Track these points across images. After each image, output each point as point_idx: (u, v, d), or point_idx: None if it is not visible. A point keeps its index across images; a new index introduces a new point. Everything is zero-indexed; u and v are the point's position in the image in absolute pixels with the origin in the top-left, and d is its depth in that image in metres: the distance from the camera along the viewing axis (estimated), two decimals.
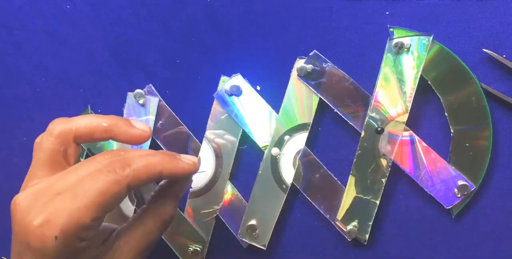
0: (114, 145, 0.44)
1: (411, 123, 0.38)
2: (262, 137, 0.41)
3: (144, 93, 0.42)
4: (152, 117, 0.42)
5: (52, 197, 0.29)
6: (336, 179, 0.40)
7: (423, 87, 0.37)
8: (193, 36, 0.42)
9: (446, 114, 0.37)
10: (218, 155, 0.41)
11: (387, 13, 0.38)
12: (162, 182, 0.37)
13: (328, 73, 0.39)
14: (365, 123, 0.38)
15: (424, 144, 0.38)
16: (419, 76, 0.37)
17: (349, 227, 0.39)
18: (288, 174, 0.40)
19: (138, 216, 0.35)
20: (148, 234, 0.34)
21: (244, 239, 0.41)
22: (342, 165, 0.40)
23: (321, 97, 0.39)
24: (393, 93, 0.37)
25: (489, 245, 0.39)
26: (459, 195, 0.37)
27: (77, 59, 0.44)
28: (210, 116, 0.41)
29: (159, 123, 0.43)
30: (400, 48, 0.36)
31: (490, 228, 0.38)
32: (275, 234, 0.41)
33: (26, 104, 0.46)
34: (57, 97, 0.46)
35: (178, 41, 0.42)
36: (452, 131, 0.37)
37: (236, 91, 0.40)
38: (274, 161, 0.40)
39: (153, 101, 0.42)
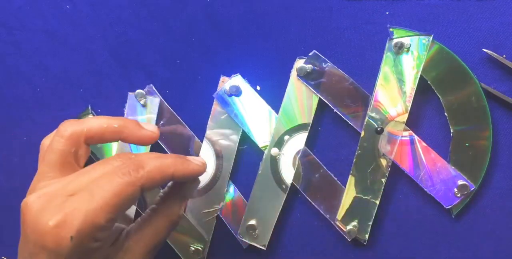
0: (114, 146, 0.44)
1: (411, 123, 0.38)
2: (262, 137, 0.41)
3: (145, 93, 0.42)
4: (153, 117, 0.42)
5: (66, 198, 0.29)
6: (336, 179, 0.40)
7: (423, 87, 0.37)
8: (193, 36, 0.42)
9: (446, 114, 0.37)
10: (219, 155, 0.42)
11: (387, 13, 0.38)
12: (170, 183, 0.37)
13: (328, 73, 0.39)
14: (365, 123, 0.38)
15: (423, 144, 0.38)
16: (419, 76, 0.37)
17: (349, 227, 0.39)
18: (288, 174, 0.40)
19: (148, 216, 0.35)
20: (157, 233, 0.35)
21: (244, 239, 0.41)
22: (342, 165, 0.40)
23: (320, 97, 0.39)
24: (393, 93, 0.37)
25: (489, 245, 0.39)
26: (459, 195, 0.37)
27: (77, 59, 0.44)
28: (210, 116, 0.41)
29: (160, 124, 0.43)
30: (400, 48, 0.36)
31: (490, 228, 0.38)
32: (275, 234, 0.41)
33: (26, 104, 0.46)
34: (57, 97, 0.46)
35: (178, 41, 0.42)
36: (452, 130, 0.37)
37: (236, 92, 0.40)
38: (274, 161, 0.40)
39: (154, 102, 0.42)
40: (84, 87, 0.45)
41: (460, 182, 0.37)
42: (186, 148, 0.43)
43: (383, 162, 0.38)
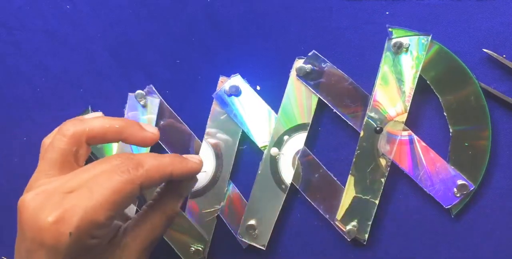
0: (114, 146, 0.44)
1: (410, 123, 0.38)
2: (261, 137, 0.41)
3: (145, 94, 0.42)
4: (153, 118, 0.42)
5: (65, 195, 0.29)
6: (335, 179, 0.40)
7: (422, 87, 0.37)
8: (193, 36, 0.42)
9: (445, 114, 0.37)
10: (219, 155, 0.42)
11: (387, 13, 0.38)
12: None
13: (327, 73, 0.39)
14: (364, 123, 0.38)
15: (423, 144, 0.38)
16: (418, 76, 0.37)
17: (348, 227, 0.39)
18: (287, 174, 0.40)
19: (144, 212, 0.35)
20: (154, 230, 0.35)
21: (243, 239, 0.41)
22: (341, 165, 0.40)
23: (320, 97, 0.39)
24: (392, 93, 0.37)
25: (489, 245, 0.38)
26: (458, 195, 0.37)
27: (77, 59, 0.44)
28: (209, 116, 0.41)
29: (160, 124, 0.43)
30: (399, 48, 0.36)
31: (490, 228, 0.38)
32: (275, 234, 0.41)
33: (26, 104, 0.46)
34: (57, 97, 0.46)
35: (178, 41, 0.42)
36: (451, 130, 0.37)
37: (235, 92, 0.40)
38: (274, 161, 0.40)
39: (154, 102, 0.42)
40: (84, 87, 0.45)
41: (460, 182, 0.37)
42: (186, 148, 0.43)
43: (383, 161, 0.38)
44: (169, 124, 0.43)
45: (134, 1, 0.42)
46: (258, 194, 0.41)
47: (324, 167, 0.40)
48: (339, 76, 0.39)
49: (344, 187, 0.39)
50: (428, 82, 0.37)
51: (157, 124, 0.43)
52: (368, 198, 0.38)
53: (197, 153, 0.42)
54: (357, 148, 0.38)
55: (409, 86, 0.37)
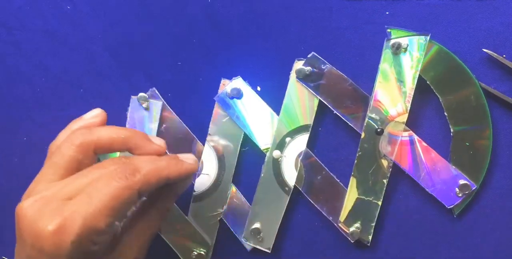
0: None
1: (410, 124, 0.38)
2: (263, 139, 0.41)
3: (147, 97, 0.42)
4: (155, 121, 0.42)
5: (63, 202, 0.29)
6: (338, 180, 0.40)
7: (422, 87, 0.37)
8: (193, 36, 0.42)
9: (445, 114, 0.37)
10: (221, 158, 0.41)
11: (387, 13, 0.38)
12: None
13: (327, 75, 0.39)
14: (365, 124, 0.38)
15: (424, 144, 0.38)
16: (417, 76, 0.37)
17: (352, 229, 0.39)
18: (290, 176, 0.40)
19: (139, 211, 0.35)
20: (150, 227, 0.35)
21: (248, 243, 0.41)
22: (343, 166, 0.40)
23: (320, 99, 0.39)
24: (392, 93, 0.37)
25: (489, 245, 0.39)
26: (460, 195, 0.37)
27: (77, 59, 0.44)
28: (211, 119, 0.41)
29: (162, 127, 0.43)
30: (398, 49, 0.36)
31: (490, 228, 0.38)
32: (279, 236, 0.41)
33: (26, 104, 0.46)
34: (57, 97, 0.46)
35: (178, 41, 0.42)
36: (452, 130, 0.37)
37: (237, 94, 0.40)
38: (276, 163, 0.40)
39: (157, 105, 0.42)
40: (84, 87, 0.45)
41: (461, 182, 0.37)
42: (188, 151, 0.42)
43: (384, 162, 0.38)
44: (171, 127, 0.43)
45: (134, 1, 0.42)
46: (262, 196, 0.41)
47: (327, 169, 0.40)
48: (339, 77, 0.38)
49: (347, 188, 0.39)
50: (428, 82, 0.37)
51: (159, 128, 0.43)
52: (370, 199, 0.38)
53: (199, 156, 0.42)
54: (359, 149, 0.38)
55: (409, 86, 0.37)
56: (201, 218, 0.42)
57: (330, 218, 0.40)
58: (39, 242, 0.28)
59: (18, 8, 0.45)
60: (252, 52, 0.41)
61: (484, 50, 0.36)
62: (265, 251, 0.41)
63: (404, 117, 0.37)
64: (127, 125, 0.43)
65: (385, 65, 0.37)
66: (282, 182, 0.40)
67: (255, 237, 0.41)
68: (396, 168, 0.38)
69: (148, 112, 0.42)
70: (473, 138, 0.37)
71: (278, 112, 0.40)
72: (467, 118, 0.37)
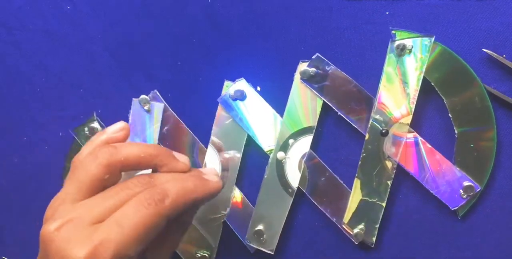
0: None
1: (415, 125, 0.38)
2: (267, 141, 0.40)
3: (149, 99, 0.42)
4: (157, 123, 0.42)
5: (93, 227, 0.29)
6: (341, 182, 0.40)
7: (426, 89, 0.37)
8: (193, 36, 0.42)
9: (450, 115, 0.37)
10: (224, 160, 0.41)
11: (387, 13, 0.38)
12: None
13: (331, 76, 0.39)
14: (369, 125, 0.38)
15: (428, 146, 0.38)
16: (422, 77, 0.37)
17: (356, 230, 0.39)
18: (294, 177, 0.40)
19: (163, 229, 0.35)
20: (174, 243, 0.36)
21: (251, 244, 0.41)
22: (347, 168, 0.40)
23: (324, 100, 0.39)
24: (396, 95, 0.37)
25: (489, 245, 0.39)
26: (464, 196, 0.37)
27: (77, 59, 0.44)
28: (214, 121, 0.41)
29: (164, 129, 0.43)
30: (402, 50, 0.36)
31: (491, 228, 0.38)
32: (282, 238, 0.41)
33: (26, 104, 0.46)
34: (57, 97, 0.46)
35: (178, 41, 0.42)
36: (456, 131, 0.37)
37: (240, 96, 0.40)
38: (280, 165, 0.40)
39: (158, 107, 0.42)
40: (84, 87, 0.45)
41: (466, 183, 0.37)
42: (190, 153, 0.42)
43: (389, 164, 0.38)
44: (173, 129, 0.43)
45: (134, 1, 0.42)
46: (265, 198, 0.41)
47: (330, 170, 0.40)
48: (343, 79, 0.38)
49: (351, 190, 0.39)
50: (432, 84, 0.37)
51: (161, 130, 0.43)
52: (374, 201, 0.38)
53: (201, 158, 0.42)
54: (363, 150, 0.38)
55: (414, 88, 0.37)
56: (205, 220, 0.42)
57: (334, 220, 0.40)
58: None
59: (18, 8, 0.45)
60: (252, 52, 0.41)
61: (484, 50, 0.36)
62: (268, 253, 0.41)
63: (409, 119, 0.37)
64: None
65: (390, 68, 0.37)
66: (285, 184, 0.40)
67: (258, 239, 0.41)
68: (399, 169, 0.38)
69: (150, 115, 0.42)
70: (478, 139, 0.37)
71: (278, 112, 0.40)
72: (472, 120, 0.37)
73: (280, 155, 0.40)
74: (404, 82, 0.37)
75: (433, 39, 0.36)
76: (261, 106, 0.40)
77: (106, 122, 0.44)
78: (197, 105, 0.42)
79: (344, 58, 0.39)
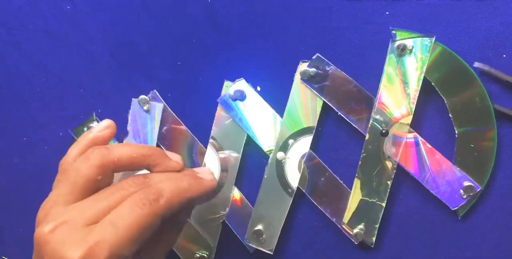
0: None
1: (415, 125, 0.38)
2: (266, 141, 0.40)
3: (148, 99, 0.42)
4: (157, 123, 0.42)
5: (87, 228, 0.29)
6: (341, 182, 0.40)
7: (426, 89, 0.37)
8: (193, 36, 0.42)
9: (450, 115, 0.37)
10: (223, 160, 0.41)
11: (387, 13, 0.38)
12: None
13: (332, 76, 0.39)
14: (369, 126, 0.38)
15: (428, 146, 0.38)
16: (422, 77, 0.37)
17: (355, 230, 0.39)
18: (293, 177, 0.40)
19: (157, 228, 0.35)
20: (167, 243, 0.36)
21: (250, 244, 0.41)
22: (347, 168, 0.40)
23: (324, 100, 0.39)
24: (397, 95, 0.37)
25: (489, 245, 0.39)
26: (465, 196, 0.37)
27: (77, 59, 0.44)
28: (214, 121, 0.41)
29: (163, 129, 0.43)
30: (403, 50, 0.36)
31: (491, 228, 0.38)
32: (281, 238, 0.41)
33: (26, 104, 0.46)
34: (57, 97, 0.46)
35: (178, 41, 0.42)
36: (456, 131, 0.37)
37: (240, 96, 0.40)
38: (280, 165, 0.40)
39: (158, 107, 0.42)
40: (84, 87, 0.45)
41: (466, 183, 0.37)
42: (189, 153, 0.42)
43: (389, 164, 0.38)
44: (172, 130, 0.43)
45: (134, 1, 0.42)
46: (265, 198, 0.41)
47: (330, 170, 0.40)
48: (344, 79, 0.38)
49: (351, 190, 0.39)
50: (432, 84, 0.37)
51: (160, 130, 0.43)
52: (374, 201, 0.38)
53: (200, 158, 0.42)
54: (363, 150, 0.38)
55: (414, 88, 0.37)
56: (204, 220, 0.42)
57: (334, 220, 0.40)
58: None
59: (18, 8, 0.45)
60: (252, 52, 0.41)
61: (476, 64, 0.36)
62: (267, 253, 0.41)
63: (409, 119, 0.37)
64: (128, 128, 0.43)
65: (390, 68, 0.37)
66: (285, 184, 0.40)
67: (257, 238, 0.41)
68: (399, 169, 0.38)
69: (149, 115, 0.42)
70: (478, 139, 0.37)
71: (278, 112, 0.40)
72: (472, 120, 0.37)
73: (280, 155, 0.40)
74: (405, 83, 0.37)
75: (433, 39, 0.36)
76: (261, 106, 0.40)
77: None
78: (197, 105, 0.42)
79: (344, 58, 0.39)
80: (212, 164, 0.41)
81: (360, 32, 0.39)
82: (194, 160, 0.42)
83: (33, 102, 0.46)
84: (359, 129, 0.39)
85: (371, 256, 0.41)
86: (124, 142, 0.43)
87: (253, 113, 0.40)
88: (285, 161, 0.40)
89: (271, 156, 0.40)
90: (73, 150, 0.34)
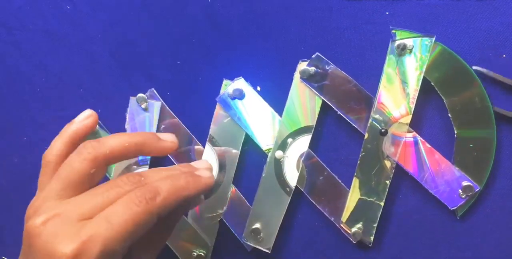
0: None
1: (414, 125, 0.38)
2: (265, 140, 0.40)
3: (146, 97, 0.42)
4: (155, 122, 0.42)
5: (81, 223, 0.28)
6: (340, 181, 0.40)
7: (426, 89, 0.37)
8: (193, 36, 0.42)
9: (449, 115, 0.37)
10: (221, 159, 0.41)
11: (387, 13, 0.38)
12: None
13: (331, 75, 0.39)
14: (368, 125, 0.38)
15: (427, 145, 0.38)
16: (422, 77, 0.37)
17: (353, 230, 0.39)
18: (292, 176, 0.40)
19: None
20: (158, 241, 0.36)
21: (248, 243, 0.41)
22: (346, 167, 0.40)
23: (324, 99, 0.39)
24: (396, 95, 0.37)
25: (489, 245, 0.38)
26: (463, 196, 0.37)
27: (77, 59, 0.44)
28: (212, 120, 0.41)
29: (161, 128, 0.43)
30: (403, 50, 0.36)
31: (490, 228, 0.38)
32: (279, 237, 0.41)
33: (26, 104, 0.46)
34: (57, 97, 0.46)
35: (178, 41, 0.42)
36: (455, 131, 0.37)
37: (239, 95, 0.40)
38: (278, 164, 0.40)
39: (156, 106, 0.42)
40: (84, 87, 0.45)
41: (465, 183, 0.37)
42: (187, 152, 0.42)
43: (387, 163, 0.38)
44: (170, 128, 0.43)
45: (134, 1, 0.42)
46: (263, 197, 0.41)
47: (329, 169, 0.40)
48: (343, 78, 0.38)
49: (349, 189, 0.39)
50: (432, 83, 0.37)
51: (158, 129, 0.43)
52: (373, 200, 0.38)
53: (198, 157, 0.42)
54: (362, 150, 0.38)
55: (413, 88, 0.37)
56: (201, 219, 0.42)
57: (332, 219, 0.40)
58: None
59: (18, 8, 0.45)
60: (252, 52, 0.41)
61: (474, 67, 0.36)
62: (265, 252, 0.41)
63: (408, 119, 0.37)
64: (126, 126, 0.43)
65: (390, 69, 0.37)
66: (283, 183, 0.40)
67: (255, 237, 0.41)
68: (398, 169, 0.38)
69: (147, 113, 0.42)
70: (477, 139, 0.37)
71: (278, 112, 0.40)
72: (471, 120, 0.37)
73: (279, 154, 0.40)
74: (404, 82, 0.37)
75: (433, 39, 0.36)
76: (260, 105, 0.40)
77: (106, 122, 0.44)
78: (196, 105, 0.42)
79: (344, 58, 0.39)
80: (210, 162, 0.41)
81: (360, 32, 0.39)
82: (192, 158, 0.42)
83: (33, 102, 0.46)
84: (358, 128, 0.39)
85: (371, 256, 0.40)
86: None
87: (252, 112, 0.40)
88: (283, 159, 0.40)
89: (269, 154, 0.40)
90: (56, 142, 0.34)
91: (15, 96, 0.46)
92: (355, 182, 0.39)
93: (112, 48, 0.44)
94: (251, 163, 0.42)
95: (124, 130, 0.43)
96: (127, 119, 0.43)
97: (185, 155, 0.42)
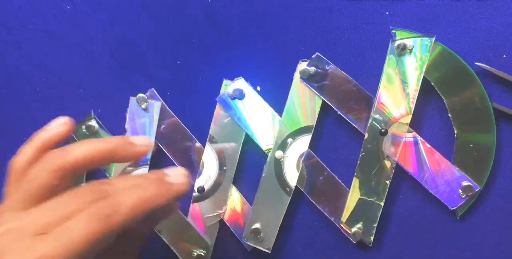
0: None
1: (414, 125, 0.38)
2: (265, 140, 0.40)
3: (146, 97, 0.42)
4: (155, 122, 0.42)
5: (33, 239, 0.26)
6: (340, 181, 0.40)
7: (426, 89, 0.37)
8: (193, 36, 0.42)
9: (449, 115, 0.37)
10: (221, 159, 0.41)
11: (387, 13, 0.38)
12: None
13: (331, 75, 0.39)
14: (368, 125, 0.38)
15: (427, 145, 0.38)
16: (422, 77, 0.36)
17: (353, 230, 0.39)
18: (292, 176, 0.40)
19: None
20: (134, 250, 0.35)
21: (248, 243, 0.41)
22: (346, 167, 0.40)
23: (324, 99, 0.39)
24: (396, 95, 0.37)
25: (489, 245, 0.38)
26: (463, 196, 0.37)
27: (77, 59, 0.44)
28: (213, 120, 0.41)
29: (161, 128, 0.43)
30: (403, 50, 0.36)
31: (491, 228, 0.38)
32: (279, 237, 0.41)
33: (26, 104, 0.46)
34: (57, 97, 0.46)
35: (178, 41, 0.42)
36: (455, 131, 0.37)
37: (239, 95, 0.40)
38: (278, 164, 0.40)
39: (156, 106, 0.42)
40: (84, 87, 0.45)
41: (465, 183, 0.37)
42: (187, 152, 0.42)
43: (387, 163, 0.38)
44: (170, 128, 0.43)
45: (134, 1, 0.42)
46: (263, 197, 0.40)
47: (329, 169, 0.40)
48: (343, 78, 0.38)
49: (349, 189, 0.39)
50: (432, 83, 0.37)
51: (158, 129, 0.42)
52: (373, 200, 0.38)
53: (198, 157, 0.42)
54: (362, 150, 0.38)
55: (413, 88, 0.37)
56: (201, 219, 0.42)
57: (332, 219, 0.40)
58: None
59: (18, 8, 0.45)
60: (252, 52, 0.41)
61: (476, 63, 0.36)
62: (265, 252, 0.41)
63: (408, 119, 0.37)
64: (127, 126, 0.43)
65: (390, 69, 0.37)
66: (283, 183, 0.40)
67: (255, 237, 0.41)
68: (398, 169, 0.38)
69: (147, 113, 0.42)
70: (477, 139, 0.37)
71: (278, 112, 0.40)
72: (471, 120, 0.37)
73: (279, 154, 0.40)
74: (404, 82, 0.37)
75: (433, 39, 0.36)
76: (260, 105, 0.40)
77: (106, 122, 0.44)
78: (196, 105, 0.42)
79: (344, 58, 0.39)
80: (210, 162, 0.41)
81: (360, 32, 0.39)
82: (192, 158, 0.42)
83: (33, 102, 0.46)
84: (358, 128, 0.39)
85: (371, 256, 0.40)
86: None
87: (252, 112, 0.40)
88: (283, 159, 0.40)
89: (269, 154, 0.40)
90: (25, 150, 0.32)
91: (15, 96, 0.46)
92: (355, 182, 0.39)
93: (112, 48, 0.44)
94: (251, 163, 0.42)
95: (124, 130, 0.43)
96: (127, 120, 0.43)
97: (185, 154, 0.42)
